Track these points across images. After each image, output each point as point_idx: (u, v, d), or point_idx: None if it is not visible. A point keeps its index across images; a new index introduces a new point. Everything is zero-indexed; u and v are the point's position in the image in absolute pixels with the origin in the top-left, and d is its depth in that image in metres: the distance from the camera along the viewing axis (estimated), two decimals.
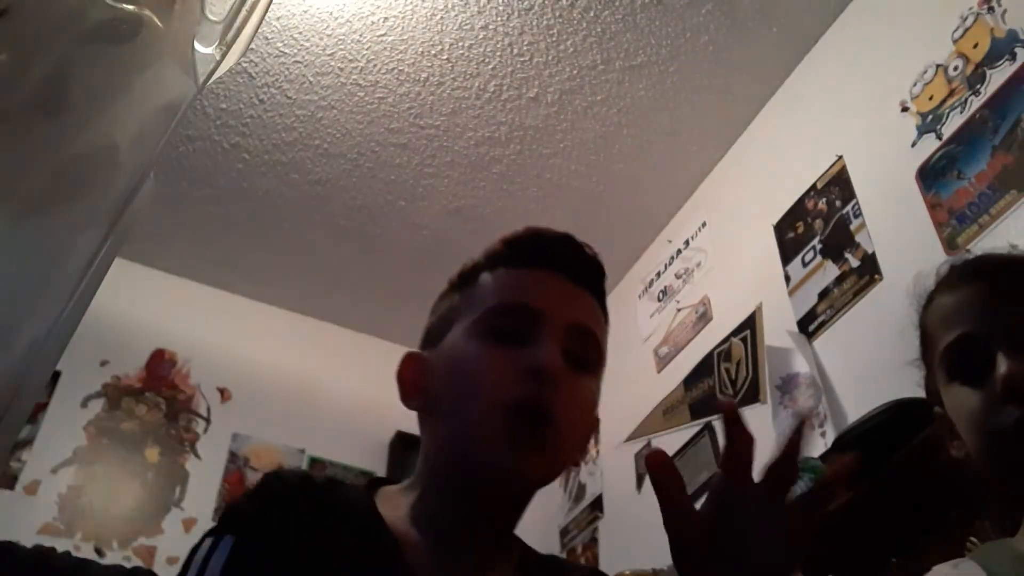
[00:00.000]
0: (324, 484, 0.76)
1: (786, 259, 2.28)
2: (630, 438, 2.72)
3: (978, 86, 1.84)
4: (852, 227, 2.09)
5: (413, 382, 0.80)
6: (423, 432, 0.80)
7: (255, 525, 0.68)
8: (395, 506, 0.76)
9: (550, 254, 0.81)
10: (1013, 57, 1.78)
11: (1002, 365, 0.78)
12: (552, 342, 0.74)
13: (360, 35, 2.43)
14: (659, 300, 2.84)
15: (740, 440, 0.63)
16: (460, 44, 2.44)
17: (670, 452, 2.82)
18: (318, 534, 0.69)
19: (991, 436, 0.80)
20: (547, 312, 0.76)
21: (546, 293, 0.78)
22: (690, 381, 2.53)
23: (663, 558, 2.41)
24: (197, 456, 2.88)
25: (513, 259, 0.80)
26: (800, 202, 2.30)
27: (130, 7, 0.80)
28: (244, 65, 2.49)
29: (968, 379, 0.82)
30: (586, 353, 0.79)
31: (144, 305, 2.99)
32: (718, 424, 2.33)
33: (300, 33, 2.43)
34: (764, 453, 2.20)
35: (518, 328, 0.75)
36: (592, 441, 0.84)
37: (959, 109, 1.87)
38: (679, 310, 2.71)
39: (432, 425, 0.79)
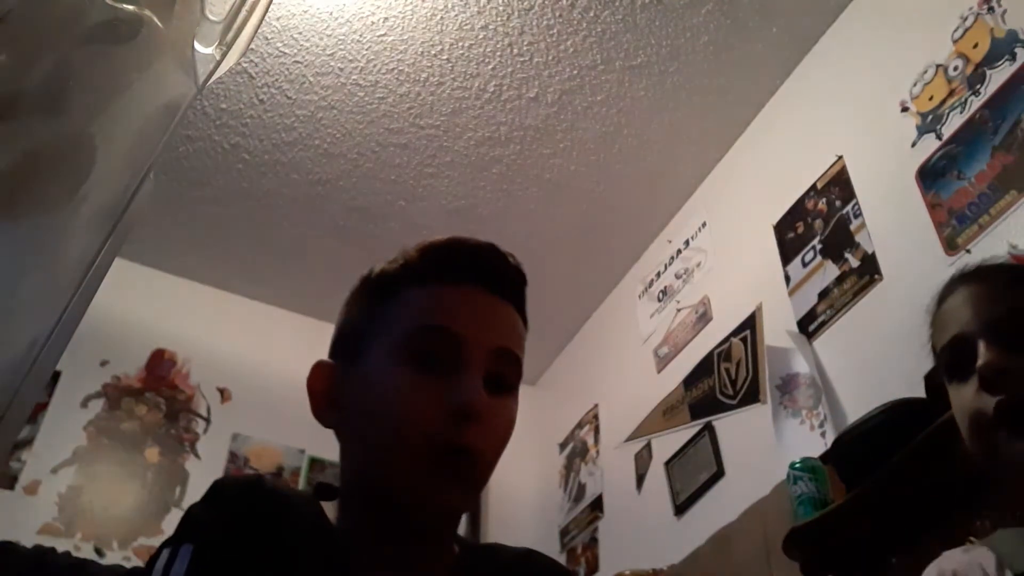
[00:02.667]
0: (273, 489, 0.76)
1: (786, 259, 2.28)
2: (630, 438, 2.72)
3: (978, 86, 1.84)
4: (852, 227, 2.09)
5: (325, 395, 0.78)
6: (341, 449, 0.79)
7: (212, 531, 0.68)
8: (336, 513, 0.77)
9: (473, 268, 0.77)
10: (1013, 57, 1.78)
11: (981, 356, 0.83)
12: (475, 373, 0.72)
13: (360, 35, 2.43)
14: (659, 300, 2.84)
15: None
16: (460, 44, 2.44)
17: (670, 452, 2.83)
18: (272, 539, 0.69)
19: (975, 425, 0.84)
20: (471, 338, 0.73)
21: (469, 315, 0.75)
22: (690, 381, 2.53)
23: (663, 558, 2.43)
24: (197, 456, 2.88)
25: (434, 273, 0.77)
26: (800, 202, 2.30)
27: (130, 7, 0.80)
28: (244, 65, 2.49)
29: (961, 377, 0.87)
30: (508, 375, 0.76)
31: (144, 305, 2.99)
32: (718, 423, 2.34)
33: (300, 33, 2.43)
34: (764, 453, 2.22)
35: (441, 355, 0.73)
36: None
37: (959, 109, 1.87)
38: (679, 310, 2.71)
39: (349, 447, 0.78)
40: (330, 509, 0.77)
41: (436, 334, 0.74)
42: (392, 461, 0.71)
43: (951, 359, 0.88)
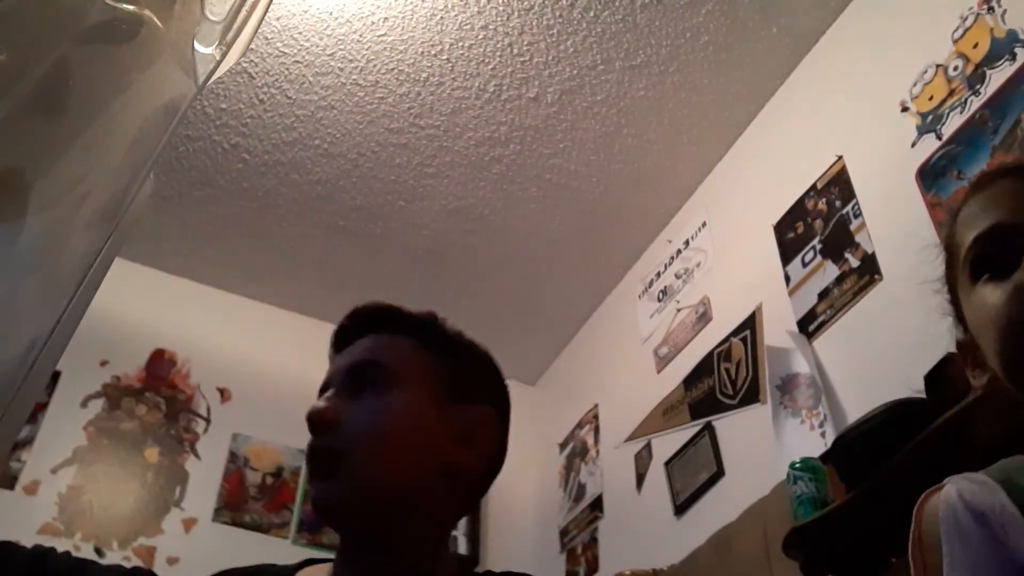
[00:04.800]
0: (249, 571, 0.89)
1: (786, 259, 2.28)
2: (630, 438, 2.72)
3: (978, 86, 1.84)
4: (852, 227, 2.09)
5: None
6: None
7: None
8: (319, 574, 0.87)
9: (340, 337, 0.93)
10: (1013, 57, 1.78)
11: None
12: (321, 395, 0.87)
13: (360, 35, 2.43)
14: (659, 300, 2.84)
15: None
16: (460, 44, 2.44)
17: (670, 452, 2.83)
18: None
19: (1009, 329, 0.67)
20: (330, 376, 0.89)
21: (333, 364, 0.91)
22: (690, 381, 2.53)
23: (663, 558, 2.42)
24: (197, 456, 2.88)
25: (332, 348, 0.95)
26: (800, 202, 2.30)
27: (130, 7, 0.80)
28: (244, 65, 2.49)
29: (994, 273, 0.70)
30: (366, 378, 0.86)
31: (144, 305, 2.99)
32: (718, 423, 2.34)
33: (300, 33, 2.43)
34: (764, 453, 2.21)
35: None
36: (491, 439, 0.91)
37: (959, 109, 1.87)
38: (679, 310, 2.71)
39: None
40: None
41: (319, 393, 0.89)
42: None
43: (982, 250, 0.72)
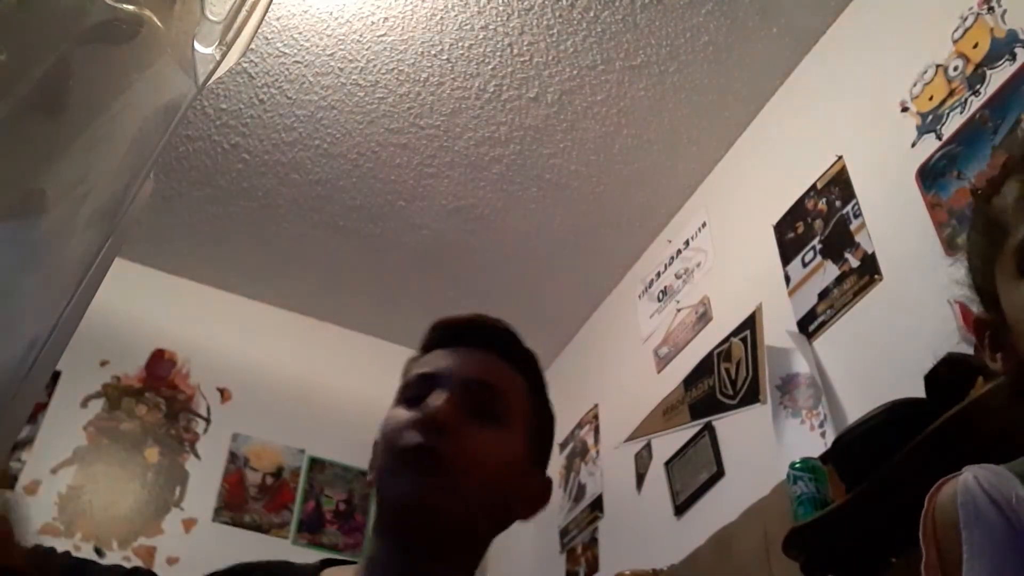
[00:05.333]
0: (268, 566, 0.89)
1: (786, 259, 2.28)
2: (630, 438, 2.72)
3: (978, 86, 1.84)
4: (852, 227, 2.09)
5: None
6: None
7: None
8: None
9: (457, 333, 0.93)
10: (1013, 57, 1.78)
11: None
12: (443, 394, 0.84)
13: (360, 35, 2.43)
14: (659, 300, 2.84)
15: None
16: (460, 44, 2.44)
17: (670, 452, 2.83)
18: None
19: None
20: (444, 374, 0.87)
21: (448, 361, 0.89)
22: (690, 381, 2.53)
23: (663, 558, 2.42)
24: (197, 456, 2.88)
25: (431, 343, 0.93)
26: (800, 202, 2.30)
27: (130, 7, 0.80)
28: (244, 65, 2.49)
29: None
30: (487, 404, 0.86)
31: (144, 305, 2.99)
32: (718, 423, 2.34)
33: (300, 33, 2.43)
34: (764, 453, 2.21)
35: (419, 392, 0.86)
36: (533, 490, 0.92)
37: (959, 109, 1.87)
38: (679, 310, 2.71)
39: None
40: None
41: (419, 379, 0.88)
42: (382, 474, 0.85)
43: None
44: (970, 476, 0.70)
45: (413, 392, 0.87)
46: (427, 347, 0.94)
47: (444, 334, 0.93)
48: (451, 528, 0.82)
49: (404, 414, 0.85)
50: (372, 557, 0.84)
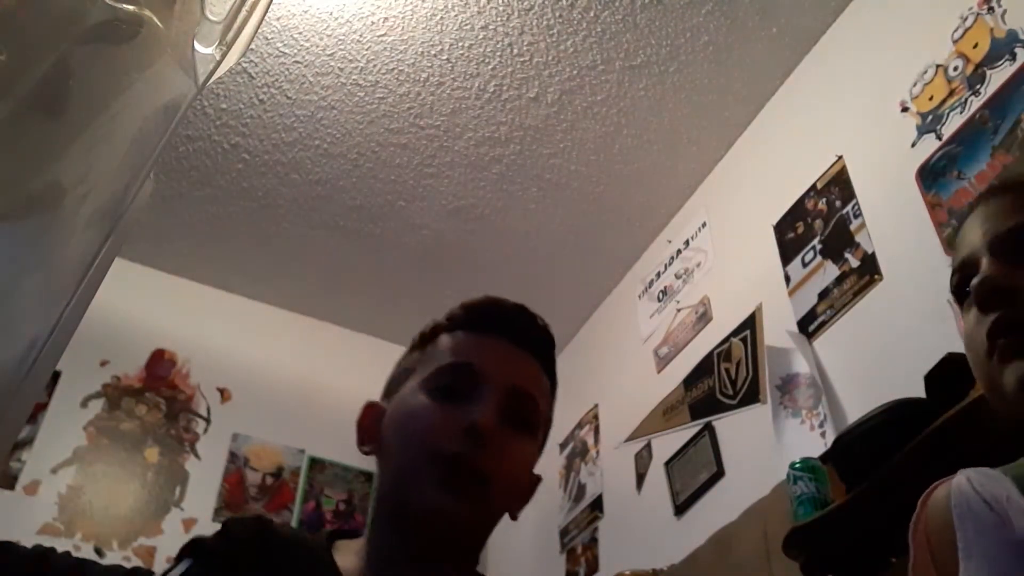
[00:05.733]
0: (282, 529, 0.83)
1: (786, 259, 2.28)
2: (630, 438, 2.72)
3: (978, 86, 1.84)
4: (852, 227, 2.09)
5: (368, 429, 0.86)
6: (376, 473, 0.86)
7: (213, 553, 0.75)
8: (350, 555, 0.81)
9: (503, 322, 0.87)
10: (1013, 57, 1.78)
11: (980, 274, 0.72)
12: (490, 402, 0.80)
13: (360, 35, 2.43)
14: (659, 300, 2.84)
15: None
16: (460, 44, 2.44)
17: (670, 452, 2.82)
18: (270, 568, 0.75)
19: (973, 354, 0.73)
20: (489, 373, 0.82)
21: (492, 356, 0.84)
22: (690, 381, 2.53)
23: (663, 558, 2.42)
24: (197, 456, 2.88)
25: (470, 324, 0.87)
26: (800, 202, 2.30)
27: (130, 7, 0.80)
28: (244, 65, 2.49)
29: (967, 303, 0.75)
30: (524, 414, 0.84)
31: (144, 305, 2.99)
32: (718, 423, 2.34)
33: (300, 33, 2.43)
34: (764, 453, 2.21)
35: (462, 386, 0.81)
36: (528, 488, 0.89)
37: (959, 109, 1.87)
38: (679, 310, 2.71)
39: (380, 471, 0.85)
40: (345, 554, 0.82)
41: (458, 367, 0.83)
42: (408, 473, 0.79)
43: (959, 285, 0.78)
44: (963, 478, 0.70)
45: (448, 382, 0.82)
46: (464, 325, 0.88)
47: (488, 318, 0.88)
48: (473, 539, 0.81)
49: (441, 413, 0.80)
50: (378, 549, 0.80)
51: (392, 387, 0.89)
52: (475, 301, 0.90)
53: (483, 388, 0.81)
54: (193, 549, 0.76)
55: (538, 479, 0.89)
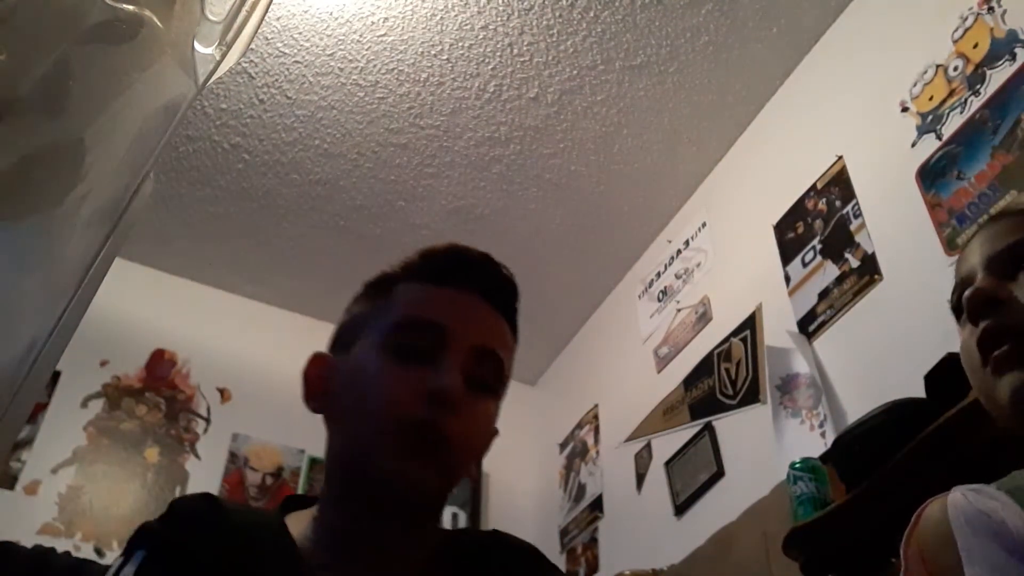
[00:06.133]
0: (232, 505, 0.79)
1: (786, 259, 2.28)
2: (630, 438, 2.72)
3: (978, 86, 1.84)
4: (852, 227, 2.09)
5: (315, 383, 0.81)
6: (327, 434, 0.82)
7: (164, 540, 0.71)
8: (306, 524, 0.78)
9: (466, 273, 0.81)
10: (1013, 57, 1.78)
11: (972, 287, 0.74)
12: (455, 366, 0.75)
13: (360, 35, 2.43)
14: (659, 300, 2.84)
15: None
16: (460, 44, 2.44)
17: (670, 452, 2.82)
18: (224, 549, 0.71)
19: (968, 365, 0.76)
20: (454, 332, 0.77)
21: (456, 312, 0.79)
22: (690, 381, 2.53)
23: (663, 558, 2.42)
24: (197, 456, 2.88)
25: (429, 275, 0.81)
26: (800, 202, 2.30)
27: (130, 7, 0.80)
28: (244, 65, 2.49)
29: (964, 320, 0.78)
30: (490, 375, 0.79)
31: (144, 305, 2.99)
32: (718, 423, 2.34)
33: (300, 33, 2.43)
34: (764, 453, 2.21)
35: (424, 346, 0.76)
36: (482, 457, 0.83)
37: (959, 109, 1.87)
38: (679, 310, 2.71)
39: (332, 433, 0.80)
40: (299, 522, 0.79)
41: (420, 325, 0.77)
42: (368, 439, 0.74)
43: (957, 302, 0.79)
44: (957, 493, 0.72)
45: (410, 340, 0.77)
46: (424, 275, 0.81)
47: (451, 269, 0.81)
48: (435, 503, 0.79)
49: (403, 376, 0.75)
50: (336, 515, 0.77)
51: (343, 340, 0.83)
52: (436, 249, 0.84)
53: (448, 348, 0.76)
54: (142, 539, 0.72)
55: (496, 434, 0.84)
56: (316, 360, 0.83)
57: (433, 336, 0.76)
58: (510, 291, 0.84)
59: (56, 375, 2.72)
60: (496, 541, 0.84)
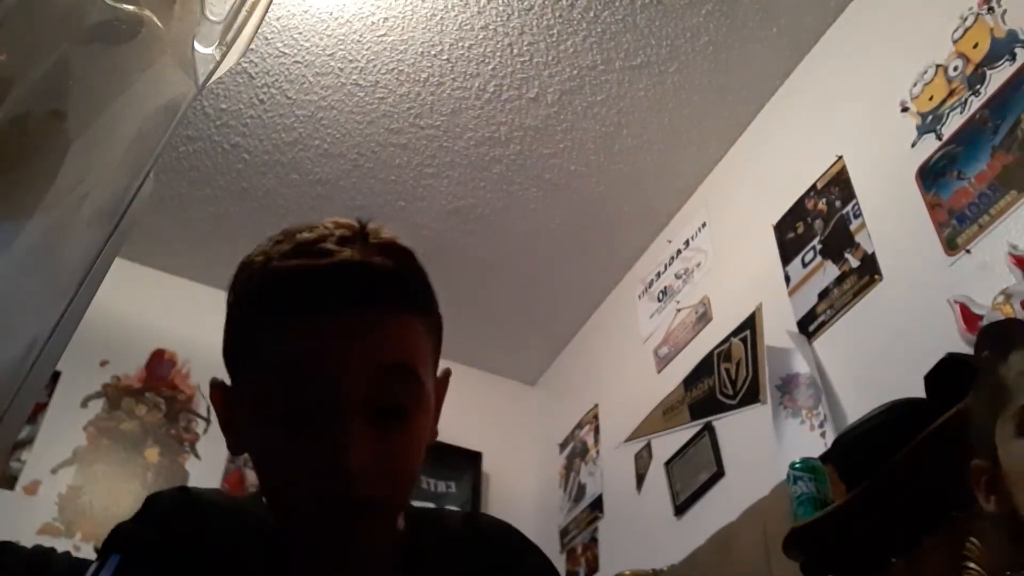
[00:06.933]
0: (208, 495, 0.76)
1: (786, 259, 2.28)
2: (630, 438, 2.72)
3: (978, 86, 1.84)
4: (852, 227, 2.09)
5: (222, 414, 0.75)
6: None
7: (139, 541, 0.69)
8: None
9: (330, 291, 0.65)
10: (1013, 57, 1.78)
11: None
12: (353, 423, 0.63)
13: (360, 35, 2.43)
14: (659, 300, 2.84)
15: None
16: (460, 44, 2.44)
17: (670, 452, 2.82)
18: (203, 542, 0.69)
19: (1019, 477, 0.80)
20: (338, 377, 0.63)
21: (335, 349, 0.64)
22: (690, 381, 2.53)
23: (663, 558, 2.42)
24: (197, 456, 2.87)
25: (286, 305, 0.66)
26: (800, 202, 2.30)
27: (130, 7, 0.80)
28: (244, 65, 2.49)
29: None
30: (399, 395, 0.66)
31: (144, 305, 2.99)
32: (718, 423, 2.34)
33: (300, 33, 2.43)
34: (764, 453, 2.21)
35: (311, 408, 0.63)
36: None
37: (959, 109, 1.87)
38: (679, 310, 2.71)
39: (256, 473, 0.72)
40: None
41: (297, 389, 0.64)
42: (290, 520, 0.68)
43: (1020, 420, 0.83)
44: None
45: (292, 408, 0.64)
46: (282, 308, 0.66)
47: (306, 295, 0.65)
48: (390, 526, 0.71)
49: (299, 453, 0.63)
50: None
51: (231, 370, 0.76)
52: (279, 271, 0.68)
53: (337, 401, 0.63)
54: (116, 541, 0.68)
55: (435, 437, 0.73)
56: (215, 392, 0.76)
57: (317, 396, 0.63)
58: (390, 278, 0.68)
59: (56, 375, 2.72)
60: (472, 527, 0.79)
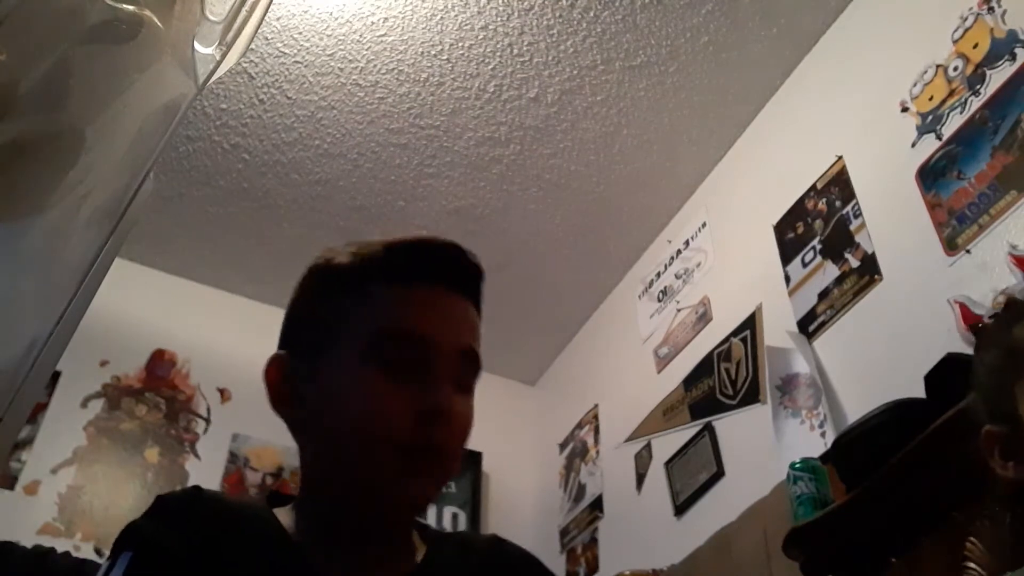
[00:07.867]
0: (220, 496, 0.79)
1: (786, 259, 2.28)
2: (630, 438, 2.72)
3: (978, 86, 1.84)
4: (852, 227, 2.09)
5: (280, 388, 0.80)
6: (301, 444, 0.80)
7: (152, 540, 0.70)
8: (287, 516, 0.78)
9: (437, 267, 0.79)
10: (1013, 57, 1.78)
11: None
12: (444, 379, 0.75)
13: (360, 35, 2.43)
14: (659, 300, 2.84)
15: None
16: (460, 44, 2.44)
17: (670, 452, 2.83)
18: (215, 547, 0.70)
19: None
20: (440, 344, 0.75)
21: (438, 319, 0.77)
22: (690, 381, 2.53)
23: (663, 558, 2.42)
24: (197, 456, 2.87)
25: (399, 273, 0.78)
26: (800, 202, 2.30)
27: (130, 7, 0.80)
28: (244, 65, 2.49)
29: None
30: (472, 376, 0.79)
31: (144, 305, 2.99)
32: (718, 424, 2.34)
33: (300, 33, 2.43)
34: (764, 453, 2.22)
35: (411, 360, 0.74)
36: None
37: (959, 109, 1.87)
38: (679, 310, 2.71)
39: (311, 443, 0.79)
40: (284, 516, 0.78)
41: (407, 340, 0.75)
42: (361, 460, 0.73)
43: None
44: None
45: (394, 354, 0.74)
46: (391, 274, 0.78)
47: (419, 265, 0.78)
48: (429, 505, 0.80)
49: (394, 395, 0.73)
50: (315, 521, 0.76)
51: (301, 339, 0.81)
52: (402, 243, 0.80)
53: (435, 361, 0.75)
54: (130, 539, 0.70)
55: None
56: (277, 362, 0.81)
57: (419, 349, 0.75)
58: (477, 276, 0.82)
59: (56, 375, 2.72)
60: (496, 554, 0.84)
